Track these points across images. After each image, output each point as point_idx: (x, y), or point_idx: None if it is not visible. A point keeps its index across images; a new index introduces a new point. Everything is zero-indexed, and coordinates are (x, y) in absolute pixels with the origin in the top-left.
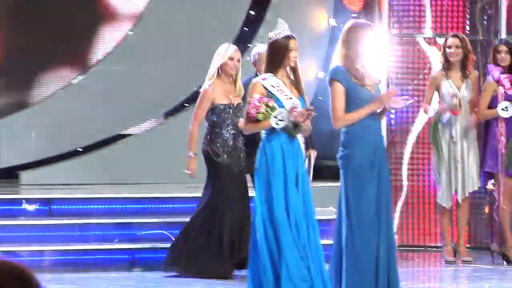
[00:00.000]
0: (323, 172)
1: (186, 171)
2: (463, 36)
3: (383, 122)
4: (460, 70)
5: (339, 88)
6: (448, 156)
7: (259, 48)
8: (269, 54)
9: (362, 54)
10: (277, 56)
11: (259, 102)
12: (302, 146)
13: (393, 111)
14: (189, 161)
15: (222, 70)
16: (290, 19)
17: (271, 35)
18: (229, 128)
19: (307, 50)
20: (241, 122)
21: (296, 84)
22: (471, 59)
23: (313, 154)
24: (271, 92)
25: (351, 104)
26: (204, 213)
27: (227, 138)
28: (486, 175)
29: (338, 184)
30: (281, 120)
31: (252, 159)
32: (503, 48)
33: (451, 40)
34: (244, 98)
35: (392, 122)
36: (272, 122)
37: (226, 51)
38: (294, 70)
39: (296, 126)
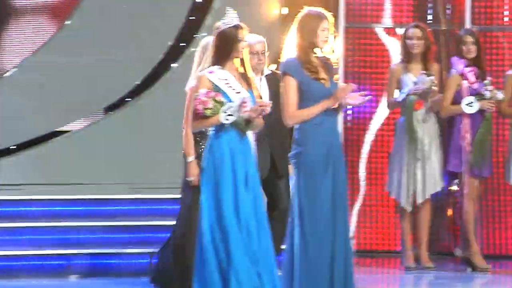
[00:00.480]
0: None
1: (189, 178)
2: (425, 26)
3: (339, 119)
4: (421, 63)
5: (291, 82)
6: (408, 155)
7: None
8: (216, 45)
9: (316, 45)
10: (225, 48)
11: (206, 97)
12: (253, 143)
13: (349, 107)
14: (190, 167)
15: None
16: (240, 7)
17: (219, 24)
18: None
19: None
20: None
21: (245, 77)
22: (433, 51)
23: None
24: (218, 86)
25: (304, 100)
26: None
27: None
28: (449, 175)
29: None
30: (230, 115)
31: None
32: (469, 39)
33: (412, 31)
34: None
35: (349, 118)
36: (221, 118)
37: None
38: (243, 62)
39: (248, 122)
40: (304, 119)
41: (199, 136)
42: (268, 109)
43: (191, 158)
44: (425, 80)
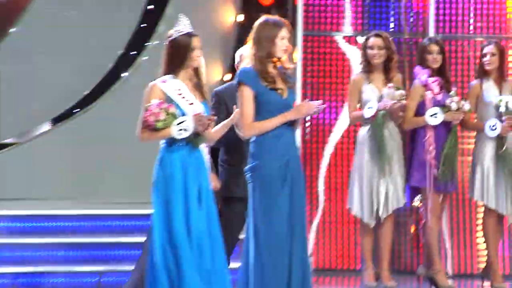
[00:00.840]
0: None
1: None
2: (386, 35)
3: (298, 131)
4: (383, 73)
5: (248, 93)
6: (371, 170)
7: (243, 49)
8: (168, 54)
9: (274, 55)
10: (178, 56)
11: (158, 108)
12: (207, 156)
13: (308, 117)
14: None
15: None
16: (193, 14)
17: (171, 32)
18: None
19: (212, 50)
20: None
21: (199, 87)
22: (395, 60)
23: None
24: (171, 97)
25: (261, 111)
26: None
27: None
28: (412, 190)
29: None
30: (184, 129)
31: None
32: (434, 48)
33: (373, 40)
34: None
35: (308, 130)
36: (174, 132)
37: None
38: (197, 72)
39: (197, 135)
40: (262, 131)
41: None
42: (214, 118)
43: None
44: (394, 95)
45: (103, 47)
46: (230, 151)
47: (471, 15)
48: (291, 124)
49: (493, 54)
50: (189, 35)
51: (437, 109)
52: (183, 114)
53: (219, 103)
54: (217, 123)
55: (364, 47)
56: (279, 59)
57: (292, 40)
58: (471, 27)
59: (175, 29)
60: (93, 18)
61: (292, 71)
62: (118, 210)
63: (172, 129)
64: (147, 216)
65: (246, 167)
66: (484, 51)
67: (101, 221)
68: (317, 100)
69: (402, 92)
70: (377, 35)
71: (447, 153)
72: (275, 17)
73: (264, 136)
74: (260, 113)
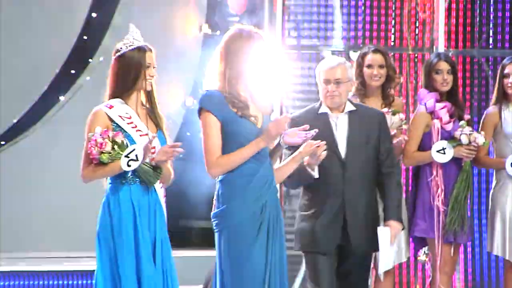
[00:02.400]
0: (191, 236)
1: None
2: (386, 50)
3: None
4: (381, 97)
5: (213, 121)
6: None
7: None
8: (115, 73)
9: (246, 73)
10: (127, 76)
11: (103, 138)
12: (162, 198)
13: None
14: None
15: None
16: (147, 23)
17: (120, 46)
18: None
19: (171, 68)
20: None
21: (153, 115)
22: (397, 82)
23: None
24: (119, 125)
25: (229, 143)
26: None
27: None
28: (416, 242)
29: (213, 252)
30: (134, 159)
31: None
32: (444, 66)
33: (371, 57)
34: None
35: None
36: (123, 164)
37: None
38: (150, 95)
39: (155, 169)
40: (230, 167)
41: None
42: (180, 150)
43: None
44: (392, 121)
45: (35, 66)
46: (308, 193)
47: (490, 25)
48: (268, 157)
49: None
50: (141, 49)
51: (444, 143)
52: (133, 144)
53: None
54: (288, 156)
55: (360, 65)
56: (252, 79)
57: (270, 56)
58: (490, 41)
59: (123, 43)
60: (23, 31)
61: (269, 94)
62: (53, 266)
63: (120, 162)
64: (89, 274)
65: (212, 213)
66: (506, 70)
67: (30, 279)
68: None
69: (401, 116)
70: (376, 51)
71: (456, 196)
72: (250, 28)
73: (233, 174)
74: (229, 145)
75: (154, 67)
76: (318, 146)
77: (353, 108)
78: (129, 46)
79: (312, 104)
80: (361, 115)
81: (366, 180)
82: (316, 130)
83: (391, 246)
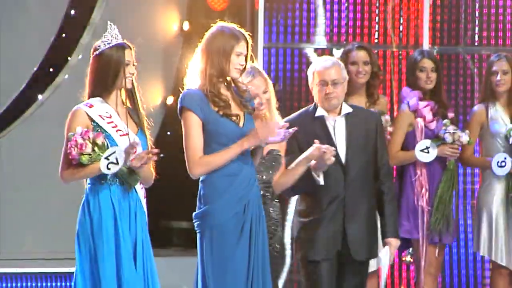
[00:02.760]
0: (172, 237)
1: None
2: (370, 47)
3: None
4: (365, 95)
5: (194, 119)
6: None
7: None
8: (94, 71)
9: (227, 73)
10: (106, 74)
11: (84, 139)
12: (143, 199)
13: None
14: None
15: None
16: (127, 21)
17: (98, 44)
18: None
19: (152, 66)
20: (276, 177)
21: (134, 114)
22: (381, 79)
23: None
24: (99, 125)
25: (211, 143)
26: None
27: None
28: (401, 243)
29: (195, 254)
30: (114, 163)
31: None
32: (427, 63)
33: (355, 54)
34: None
35: None
36: (102, 166)
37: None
38: (132, 93)
39: (132, 172)
40: (212, 168)
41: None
42: (155, 158)
43: None
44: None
45: (13, 63)
46: (307, 199)
47: (476, 22)
48: (250, 157)
49: (505, 72)
50: (119, 47)
51: (428, 142)
52: (114, 146)
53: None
54: (289, 162)
55: (344, 63)
56: (232, 79)
57: (252, 54)
58: (476, 38)
59: (102, 41)
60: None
61: (251, 93)
62: (30, 268)
63: (100, 164)
64: (68, 276)
65: (194, 214)
66: (494, 68)
67: (7, 282)
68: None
69: (387, 117)
70: (360, 48)
71: (441, 196)
72: (233, 26)
73: (216, 175)
74: (210, 145)
75: (134, 65)
76: (325, 151)
77: (350, 110)
78: (108, 44)
79: (306, 107)
80: (358, 116)
81: (366, 185)
82: (295, 128)
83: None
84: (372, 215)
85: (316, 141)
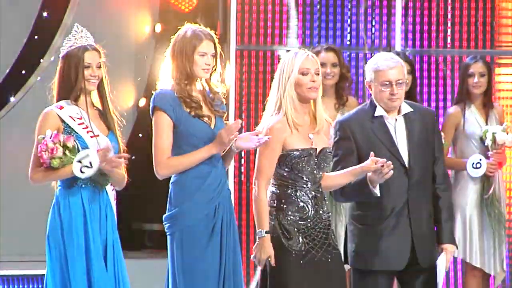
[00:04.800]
0: (143, 239)
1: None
2: (338, 49)
3: (230, 168)
4: (334, 97)
5: (165, 120)
6: None
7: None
8: (59, 73)
9: (193, 74)
10: (68, 76)
11: (54, 143)
12: (113, 201)
13: (242, 152)
14: (261, 244)
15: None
16: (101, 22)
17: (64, 46)
18: (308, 188)
19: (124, 67)
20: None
21: (105, 115)
22: (350, 81)
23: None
24: (69, 126)
25: (182, 144)
26: None
27: (305, 205)
28: None
29: (166, 257)
30: (87, 166)
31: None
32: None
33: (324, 55)
34: None
35: (243, 169)
36: (75, 170)
37: (295, 60)
38: (103, 95)
39: (103, 174)
40: (180, 169)
41: (283, 200)
42: (126, 161)
43: (263, 232)
44: None
45: None
46: (365, 203)
47: (448, 24)
48: (222, 159)
49: (482, 74)
50: (80, 49)
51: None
52: (85, 149)
53: (344, 138)
54: (343, 163)
55: None
56: (204, 80)
57: (224, 56)
58: (448, 39)
59: (65, 42)
60: None
61: (223, 95)
62: (0, 271)
63: (72, 167)
64: (40, 278)
65: (164, 216)
66: (471, 70)
67: None
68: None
69: None
70: (329, 49)
71: None
72: (197, 27)
73: (185, 176)
74: (181, 146)
75: (98, 67)
76: (383, 165)
77: (410, 109)
78: (70, 46)
79: (361, 105)
80: (416, 115)
81: (427, 187)
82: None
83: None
84: (431, 219)
85: (372, 153)
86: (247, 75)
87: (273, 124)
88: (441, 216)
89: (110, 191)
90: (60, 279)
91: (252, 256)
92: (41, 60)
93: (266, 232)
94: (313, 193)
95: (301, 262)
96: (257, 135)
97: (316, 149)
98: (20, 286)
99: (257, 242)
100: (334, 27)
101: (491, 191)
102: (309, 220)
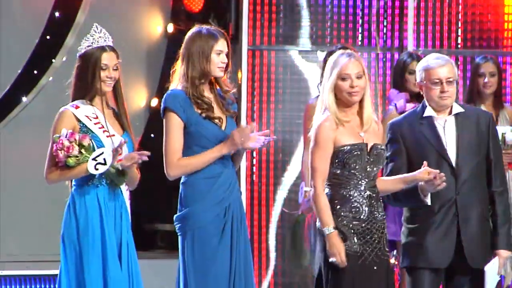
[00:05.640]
0: (155, 239)
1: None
2: (354, 49)
3: (242, 168)
4: None
5: (176, 121)
6: None
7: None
8: (76, 73)
9: (210, 74)
10: (85, 76)
11: (70, 141)
12: (127, 201)
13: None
14: (331, 241)
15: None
16: (111, 23)
17: (81, 46)
18: (362, 186)
19: (136, 67)
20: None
21: (119, 116)
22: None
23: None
24: (86, 126)
25: (192, 145)
26: None
27: (359, 206)
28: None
29: (177, 257)
30: (102, 163)
31: None
32: (416, 66)
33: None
34: None
35: (254, 169)
36: (90, 167)
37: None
38: (117, 96)
39: (121, 172)
40: (190, 170)
41: (336, 200)
42: (145, 158)
43: (331, 228)
44: None
45: None
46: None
47: (459, 25)
48: (232, 160)
49: (492, 75)
50: (98, 50)
51: None
52: (101, 147)
53: (393, 140)
54: (393, 170)
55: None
56: (216, 79)
57: (235, 56)
58: (459, 40)
59: (84, 41)
60: None
61: (235, 95)
62: (13, 271)
63: (88, 165)
64: (52, 278)
65: (175, 216)
66: (481, 70)
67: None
68: (265, 130)
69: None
70: (343, 49)
71: None
72: (210, 27)
73: (196, 177)
74: (191, 147)
75: (115, 69)
76: (435, 177)
77: (461, 109)
78: (88, 46)
79: (414, 107)
80: (470, 116)
81: (478, 188)
82: (275, 137)
83: (497, 276)
84: (485, 221)
85: (425, 162)
86: (259, 75)
87: (321, 122)
88: (497, 220)
89: (125, 191)
90: (75, 279)
91: (330, 259)
92: (53, 60)
93: (334, 228)
94: (368, 192)
95: (357, 263)
96: (264, 136)
97: (367, 144)
98: (32, 287)
99: (327, 242)
100: (346, 28)
101: None
102: (363, 221)
